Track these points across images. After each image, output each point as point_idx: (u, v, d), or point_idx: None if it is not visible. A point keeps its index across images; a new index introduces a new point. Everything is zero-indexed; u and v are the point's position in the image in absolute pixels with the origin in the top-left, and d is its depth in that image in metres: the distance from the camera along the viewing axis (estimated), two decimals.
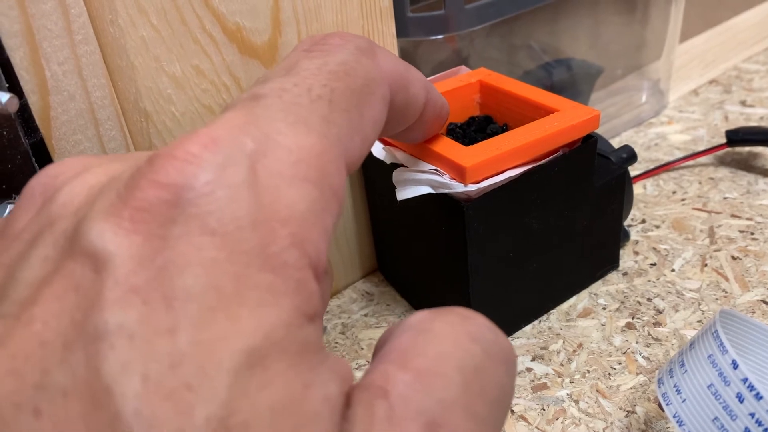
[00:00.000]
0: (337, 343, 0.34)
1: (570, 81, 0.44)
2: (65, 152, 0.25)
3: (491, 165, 0.27)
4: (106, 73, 0.26)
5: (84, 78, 0.25)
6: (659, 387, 0.24)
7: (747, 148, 0.44)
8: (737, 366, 0.22)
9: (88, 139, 0.26)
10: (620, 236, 0.35)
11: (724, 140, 0.43)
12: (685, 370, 0.24)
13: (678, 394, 0.23)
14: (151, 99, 0.27)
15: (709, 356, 0.23)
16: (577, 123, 0.29)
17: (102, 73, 0.25)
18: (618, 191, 0.33)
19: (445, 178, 0.27)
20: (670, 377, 0.24)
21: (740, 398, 0.22)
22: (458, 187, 0.27)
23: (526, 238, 0.31)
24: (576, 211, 0.32)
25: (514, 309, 0.33)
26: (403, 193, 0.28)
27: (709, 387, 0.23)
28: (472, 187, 0.27)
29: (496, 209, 0.29)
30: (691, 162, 0.44)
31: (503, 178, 0.28)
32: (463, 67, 0.35)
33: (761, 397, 0.21)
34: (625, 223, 0.38)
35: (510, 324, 0.33)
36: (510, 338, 0.33)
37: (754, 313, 0.33)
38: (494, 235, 0.29)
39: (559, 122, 0.29)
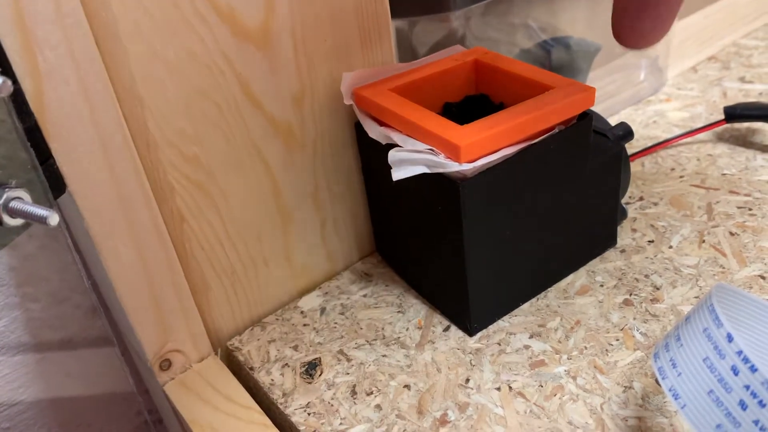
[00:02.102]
0: (336, 323, 0.34)
1: (568, 59, 0.43)
2: (60, 137, 0.25)
3: (486, 143, 0.27)
4: (100, 57, 0.26)
5: (77, 63, 0.25)
6: (655, 361, 0.24)
7: (745, 124, 0.44)
8: (732, 339, 0.22)
9: (82, 123, 0.26)
10: (618, 214, 0.35)
11: (722, 117, 0.43)
12: (681, 344, 0.24)
13: (674, 368, 0.23)
14: (145, 83, 0.27)
15: (705, 329, 0.23)
16: (573, 100, 0.29)
17: (95, 57, 0.25)
18: (614, 169, 0.33)
19: (440, 158, 0.27)
20: (666, 351, 0.24)
21: (735, 371, 0.22)
22: (453, 166, 0.27)
23: (523, 216, 0.31)
24: (572, 189, 0.32)
25: (512, 287, 0.33)
26: (399, 173, 0.28)
27: (704, 360, 0.23)
28: (467, 166, 0.27)
29: (491, 188, 0.29)
30: (689, 139, 0.44)
31: (499, 156, 0.28)
32: (458, 47, 0.35)
33: (756, 369, 0.21)
34: (623, 200, 0.38)
35: (507, 303, 0.33)
36: (507, 316, 0.33)
37: (751, 288, 0.33)
38: (490, 213, 0.30)
39: (554, 99, 0.29)
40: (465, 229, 0.29)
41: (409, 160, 0.28)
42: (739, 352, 0.22)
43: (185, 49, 0.28)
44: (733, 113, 0.41)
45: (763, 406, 0.21)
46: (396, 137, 0.29)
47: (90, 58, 0.25)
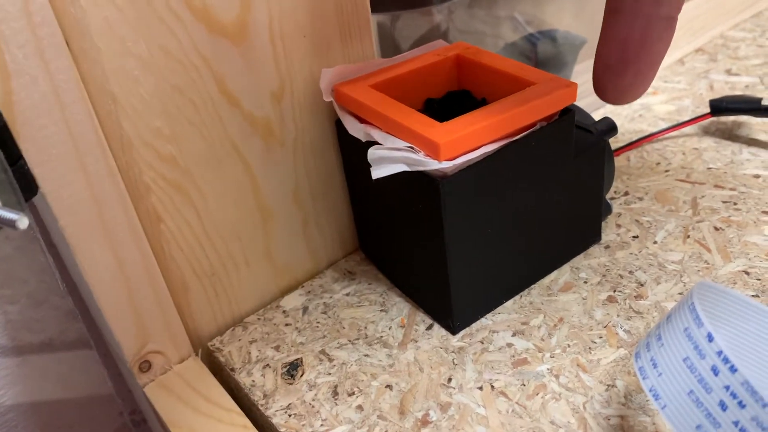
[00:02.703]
0: (318, 323, 0.34)
1: (554, 52, 0.43)
2: (30, 137, 0.25)
3: (466, 141, 0.27)
4: (70, 55, 0.25)
5: (46, 61, 0.24)
6: (636, 361, 0.24)
7: (731, 118, 0.43)
8: (713, 339, 0.22)
9: (53, 123, 0.25)
10: (602, 209, 0.35)
11: (709, 100, 0.43)
12: (662, 344, 0.24)
13: (654, 368, 0.23)
14: (118, 81, 0.27)
15: (685, 329, 0.23)
16: (554, 96, 0.28)
17: (65, 55, 0.25)
18: (598, 164, 0.33)
19: (420, 155, 0.27)
20: (647, 351, 0.24)
21: (715, 371, 0.21)
22: (433, 164, 0.27)
23: (505, 214, 0.30)
24: (555, 185, 0.32)
25: (495, 285, 0.33)
26: (378, 172, 0.28)
27: (684, 360, 0.22)
28: (447, 164, 0.27)
29: (472, 185, 0.28)
30: (675, 132, 0.43)
31: (479, 153, 0.28)
32: (440, 41, 0.35)
33: (735, 370, 0.21)
34: (608, 195, 0.37)
35: (490, 300, 0.33)
36: (491, 314, 0.33)
37: (735, 283, 0.32)
38: (471, 211, 0.29)
39: (536, 95, 0.28)
40: (446, 228, 0.29)
41: (388, 158, 0.28)
42: (719, 353, 0.22)
43: (158, 46, 0.27)
44: (719, 106, 0.41)
45: (743, 406, 0.21)
46: (376, 135, 0.29)
47: (59, 56, 0.25)
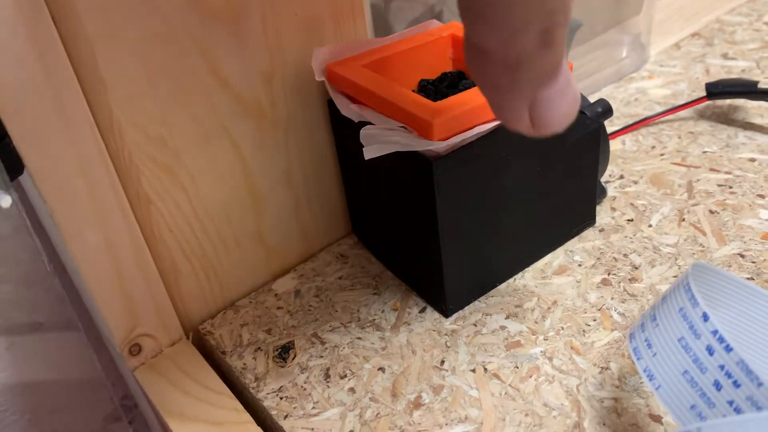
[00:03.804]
0: (311, 306, 0.34)
1: None
2: (17, 118, 0.24)
3: (459, 121, 0.26)
4: (58, 36, 0.25)
5: (35, 41, 0.24)
6: (631, 342, 0.24)
7: (727, 101, 0.43)
8: (708, 318, 0.22)
9: (42, 104, 0.25)
10: (596, 192, 0.35)
11: (705, 83, 0.42)
12: (657, 324, 0.23)
13: (649, 348, 0.23)
14: (107, 63, 0.26)
15: (680, 309, 0.23)
16: None
17: (53, 36, 0.24)
18: (592, 147, 0.33)
19: (413, 135, 0.27)
20: (642, 331, 0.24)
21: (710, 351, 0.21)
22: (426, 144, 0.26)
23: (498, 196, 0.30)
24: (549, 168, 0.31)
25: (488, 268, 0.32)
26: (371, 152, 0.27)
27: (679, 340, 0.22)
28: (439, 144, 0.26)
29: (465, 166, 0.28)
30: (671, 116, 0.43)
31: (472, 134, 0.27)
32: (434, 21, 0.34)
33: (731, 349, 0.21)
34: (602, 179, 0.37)
35: (484, 283, 0.33)
36: (484, 297, 0.33)
37: (730, 266, 0.32)
38: (465, 192, 0.29)
39: None
40: (439, 209, 0.28)
41: (381, 138, 0.27)
42: (714, 332, 0.21)
43: (147, 27, 0.26)
44: (715, 90, 0.40)
45: (738, 386, 0.20)
46: (368, 115, 0.29)
47: (47, 38, 0.24)
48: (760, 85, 0.39)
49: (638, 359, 0.23)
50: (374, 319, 0.32)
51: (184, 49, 0.28)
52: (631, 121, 0.43)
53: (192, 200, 0.31)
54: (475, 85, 0.30)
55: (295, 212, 0.35)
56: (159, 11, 0.26)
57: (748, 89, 0.39)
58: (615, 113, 0.44)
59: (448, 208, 0.29)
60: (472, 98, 0.27)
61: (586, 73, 0.48)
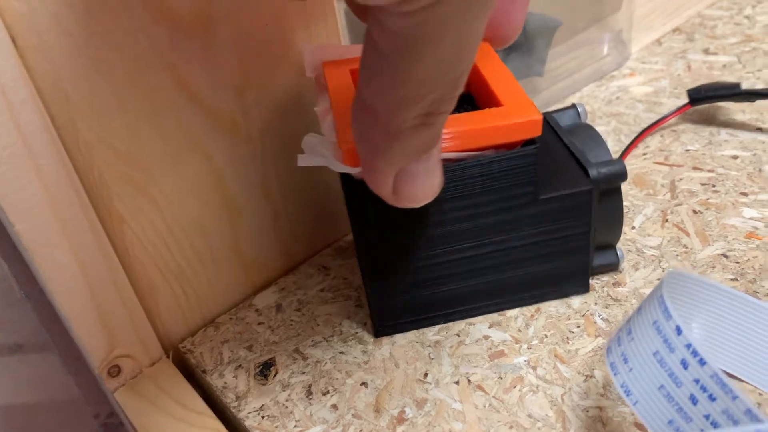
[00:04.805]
0: (292, 320, 0.33)
1: (526, 36, 0.42)
2: None
3: None
4: (16, 52, 0.24)
5: None
6: (608, 356, 0.24)
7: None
8: (681, 332, 0.21)
9: (2, 124, 0.24)
10: (589, 261, 0.31)
11: (687, 90, 0.42)
12: (632, 338, 0.23)
13: (625, 363, 0.23)
14: (71, 80, 0.26)
15: (654, 322, 0.22)
16: (504, 125, 0.25)
17: (10, 53, 0.24)
18: (581, 211, 0.29)
19: (337, 155, 0.26)
20: (618, 345, 0.23)
21: (685, 364, 0.21)
22: (341, 167, 0.25)
23: (435, 236, 0.29)
24: (508, 223, 0.29)
25: (428, 305, 0.31)
26: (303, 160, 0.27)
27: (654, 354, 0.22)
28: (353, 169, 0.25)
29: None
30: (653, 114, 0.43)
31: None
32: None
33: (704, 363, 0.20)
34: (620, 244, 0.33)
35: (422, 318, 0.31)
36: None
37: (714, 267, 0.32)
38: (387, 223, 0.28)
39: (488, 120, 0.25)
40: (355, 232, 0.28)
41: (317, 149, 0.27)
42: (688, 345, 0.21)
43: (112, 41, 0.26)
44: (698, 96, 0.40)
45: (713, 399, 0.20)
46: (327, 123, 0.28)
47: (5, 54, 0.24)
48: (742, 87, 0.39)
49: (615, 374, 0.23)
50: (357, 332, 0.32)
51: (152, 63, 0.27)
52: (612, 121, 0.43)
53: (166, 217, 0.30)
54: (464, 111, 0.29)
55: (273, 225, 0.34)
56: (122, 23, 0.26)
57: (730, 92, 0.39)
58: (596, 113, 0.44)
59: (366, 235, 0.28)
60: None
61: (567, 73, 0.47)
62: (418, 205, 0.21)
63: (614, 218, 0.30)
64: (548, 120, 0.32)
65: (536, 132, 0.25)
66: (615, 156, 0.40)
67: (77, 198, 0.27)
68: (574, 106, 0.33)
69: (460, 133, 0.25)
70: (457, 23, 0.16)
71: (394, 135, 0.18)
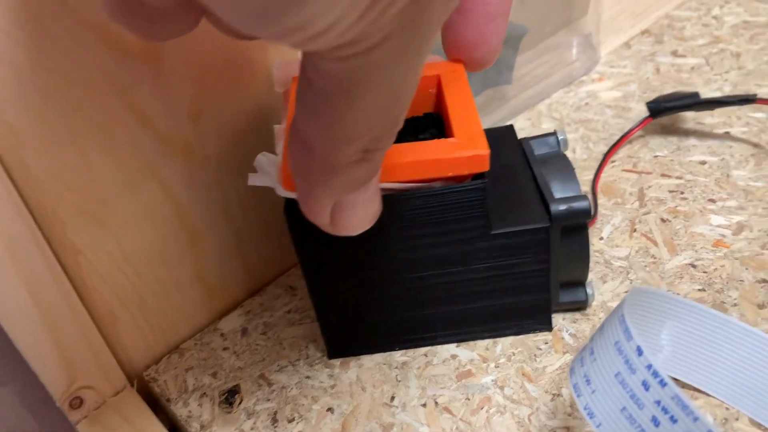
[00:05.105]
0: (258, 345, 0.33)
1: None
2: None
3: None
4: None
5: None
6: (571, 377, 0.23)
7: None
8: (642, 353, 0.21)
9: None
10: (549, 299, 0.30)
11: (654, 95, 0.42)
12: (594, 359, 0.23)
13: (588, 384, 0.22)
14: (17, 111, 0.25)
15: (616, 343, 0.22)
16: (450, 159, 0.24)
17: None
18: (538, 248, 0.28)
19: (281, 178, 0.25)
20: (581, 366, 0.23)
21: (646, 386, 0.21)
22: (281, 191, 0.25)
23: (379, 266, 0.28)
24: (457, 257, 0.28)
25: (379, 332, 0.31)
26: (253, 179, 0.26)
27: (616, 376, 0.22)
28: (290, 194, 0.25)
29: None
30: (622, 121, 0.43)
31: None
32: (435, 56, 0.32)
33: (665, 384, 0.20)
34: (590, 279, 0.31)
35: (372, 343, 0.31)
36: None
37: (682, 278, 0.32)
38: (328, 250, 0.28)
39: (435, 152, 0.24)
40: (300, 258, 0.28)
41: (267, 169, 0.26)
42: (649, 366, 0.21)
43: (58, 70, 0.25)
44: (657, 108, 0.39)
45: (675, 421, 0.20)
46: (282, 143, 0.27)
47: None
48: (703, 96, 0.39)
49: (578, 396, 0.22)
50: (323, 355, 0.31)
51: (102, 92, 0.27)
52: (581, 128, 0.42)
53: (124, 246, 0.30)
54: (427, 139, 0.28)
55: (237, 247, 0.34)
56: (68, 51, 0.25)
57: (691, 101, 0.39)
58: (565, 119, 0.44)
59: (310, 260, 0.28)
60: None
61: (536, 79, 0.47)
62: (356, 233, 0.21)
63: (579, 256, 0.29)
64: (523, 146, 0.32)
65: (483, 167, 0.25)
66: (589, 177, 0.39)
67: (29, 233, 0.27)
68: (554, 133, 0.32)
69: (407, 165, 0.24)
70: (393, 69, 0.16)
71: (331, 170, 0.18)
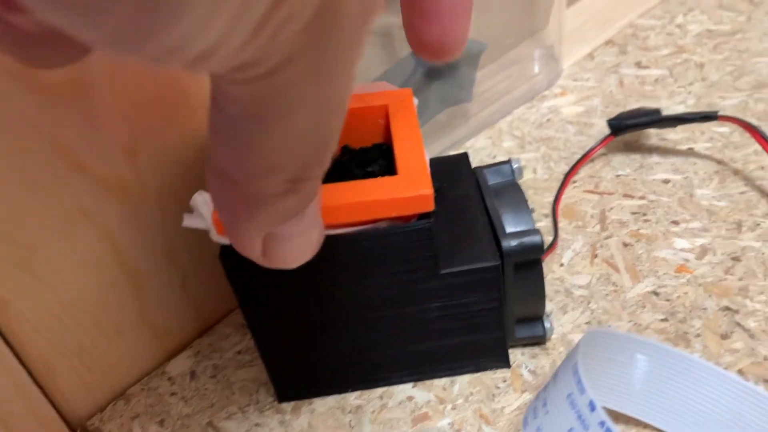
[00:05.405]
0: (206, 389, 0.31)
1: (449, 64, 0.41)
2: None
3: None
4: None
5: None
6: (524, 429, 0.22)
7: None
8: (595, 408, 0.20)
9: None
10: (504, 336, 0.29)
11: (617, 110, 0.41)
12: (547, 411, 0.22)
13: None
14: None
15: (569, 395, 0.21)
16: (392, 199, 0.23)
17: None
18: (489, 286, 0.27)
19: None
20: (534, 418, 0.22)
21: None
22: (214, 236, 0.24)
23: (335, 308, 0.27)
24: (409, 295, 0.27)
25: (330, 374, 0.29)
26: (188, 220, 0.25)
27: (569, 431, 0.20)
28: (225, 240, 0.24)
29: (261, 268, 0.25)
30: (584, 138, 0.42)
31: None
32: (384, 84, 0.30)
33: None
34: (547, 284, 0.30)
35: (325, 385, 0.30)
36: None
37: (644, 307, 0.31)
38: (271, 292, 0.27)
39: (378, 192, 0.23)
40: (241, 304, 0.27)
41: (203, 210, 0.25)
42: (602, 423, 0.20)
43: None
44: (619, 126, 0.38)
45: None
46: None
47: None
48: (665, 112, 0.38)
49: None
50: (274, 400, 0.30)
51: (23, 134, 0.25)
52: (542, 147, 0.41)
53: (59, 294, 0.28)
54: (375, 171, 0.27)
55: (183, 287, 0.32)
56: None
57: (652, 119, 0.38)
58: (526, 138, 0.43)
59: (250, 302, 0.27)
60: None
61: (498, 95, 0.46)
62: (295, 266, 0.19)
63: (534, 292, 0.28)
64: (477, 176, 0.30)
65: (427, 207, 0.23)
66: (545, 206, 0.38)
67: None
68: (509, 161, 0.31)
69: (349, 206, 0.23)
70: (306, 91, 0.14)
71: (255, 203, 0.16)
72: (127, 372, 0.32)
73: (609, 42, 0.51)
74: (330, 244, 0.25)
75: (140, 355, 0.32)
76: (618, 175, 0.38)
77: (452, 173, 0.31)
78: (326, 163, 0.16)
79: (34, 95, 0.25)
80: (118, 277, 0.30)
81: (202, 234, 0.32)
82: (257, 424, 0.29)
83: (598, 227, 0.35)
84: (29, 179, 0.26)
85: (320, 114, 0.15)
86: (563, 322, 0.31)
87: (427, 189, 0.23)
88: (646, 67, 0.47)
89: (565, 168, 0.39)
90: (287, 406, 0.30)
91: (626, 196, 0.37)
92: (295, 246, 0.18)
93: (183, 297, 0.33)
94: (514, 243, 0.26)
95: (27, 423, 0.29)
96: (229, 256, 0.25)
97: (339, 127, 0.16)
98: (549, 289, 0.32)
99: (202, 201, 0.25)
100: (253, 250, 0.18)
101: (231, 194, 0.16)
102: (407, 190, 0.23)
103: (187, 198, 0.30)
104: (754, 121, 0.37)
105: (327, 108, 0.15)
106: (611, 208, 0.36)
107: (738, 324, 0.29)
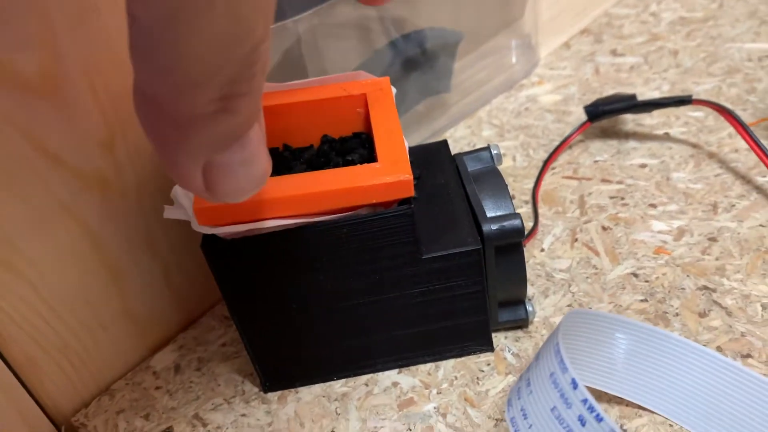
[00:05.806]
0: (191, 382, 0.31)
1: (427, 55, 0.41)
2: None
3: (229, 213, 0.23)
4: None
5: None
6: (508, 410, 0.22)
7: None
8: (577, 386, 0.20)
9: None
10: (488, 319, 0.29)
11: (594, 97, 0.41)
12: (531, 391, 0.22)
13: (525, 418, 0.21)
14: None
15: (551, 375, 0.21)
16: (373, 186, 0.23)
17: None
18: (471, 270, 0.27)
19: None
20: (518, 399, 0.22)
21: (582, 421, 0.20)
22: (196, 226, 0.24)
23: (318, 296, 0.27)
24: (391, 281, 0.27)
25: (315, 361, 0.30)
26: (169, 211, 0.25)
27: (552, 410, 0.21)
28: (206, 229, 0.24)
29: (248, 256, 0.25)
30: (562, 125, 0.42)
31: (269, 225, 0.24)
32: (361, 73, 0.29)
33: (601, 419, 0.19)
34: (528, 269, 0.32)
35: (311, 374, 0.30)
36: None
37: (624, 288, 0.31)
38: (256, 281, 0.27)
39: (358, 178, 0.24)
40: (224, 293, 0.27)
41: (183, 201, 0.25)
42: (585, 401, 0.20)
43: None
44: (596, 112, 0.39)
45: None
46: None
47: None
48: (640, 98, 0.38)
49: (515, 431, 0.21)
50: (260, 390, 0.30)
51: (2, 133, 0.25)
52: (521, 135, 0.42)
53: (39, 289, 0.28)
54: (355, 160, 0.27)
55: (165, 281, 0.32)
56: None
57: (627, 105, 0.38)
58: (505, 126, 0.43)
59: (235, 296, 0.27)
60: (272, 189, 0.23)
61: (476, 85, 0.46)
62: (240, 200, 0.18)
63: (516, 275, 0.28)
64: (457, 163, 0.31)
65: (407, 192, 0.24)
66: (525, 193, 0.39)
67: None
68: (488, 148, 0.31)
69: (329, 193, 0.23)
70: None
71: (186, 126, 0.15)
72: (111, 367, 0.32)
73: (584, 31, 0.52)
74: (311, 231, 0.25)
75: (124, 349, 0.32)
76: (596, 161, 0.39)
77: (432, 160, 0.31)
78: (256, 80, 0.15)
79: (8, 89, 0.24)
80: (99, 271, 0.30)
81: (183, 226, 0.32)
82: (243, 415, 0.29)
83: (577, 212, 0.36)
84: (7, 172, 0.25)
85: (240, 17, 0.14)
86: (545, 305, 0.31)
87: (406, 174, 0.23)
88: (622, 55, 0.48)
89: (544, 155, 0.40)
90: (273, 395, 0.30)
91: (604, 181, 0.37)
92: (239, 177, 0.17)
93: (166, 292, 0.32)
94: (494, 227, 0.26)
95: (11, 420, 0.29)
96: (211, 245, 0.25)
97: (265, 37, 0.15)
98: (530, 273, 0.33)
99: (182, 192, 0.25)
100: (193, 182, 0.17)
101: (159, 119, 0.15)
102: (387, 175, 0.23)
103: (166, 190, 0.30)
104: (728, 105, 0.37)
105: (246, 10, 0.14)
106: (590, 193, 0.37)
107: (715, 302, 0.30)
